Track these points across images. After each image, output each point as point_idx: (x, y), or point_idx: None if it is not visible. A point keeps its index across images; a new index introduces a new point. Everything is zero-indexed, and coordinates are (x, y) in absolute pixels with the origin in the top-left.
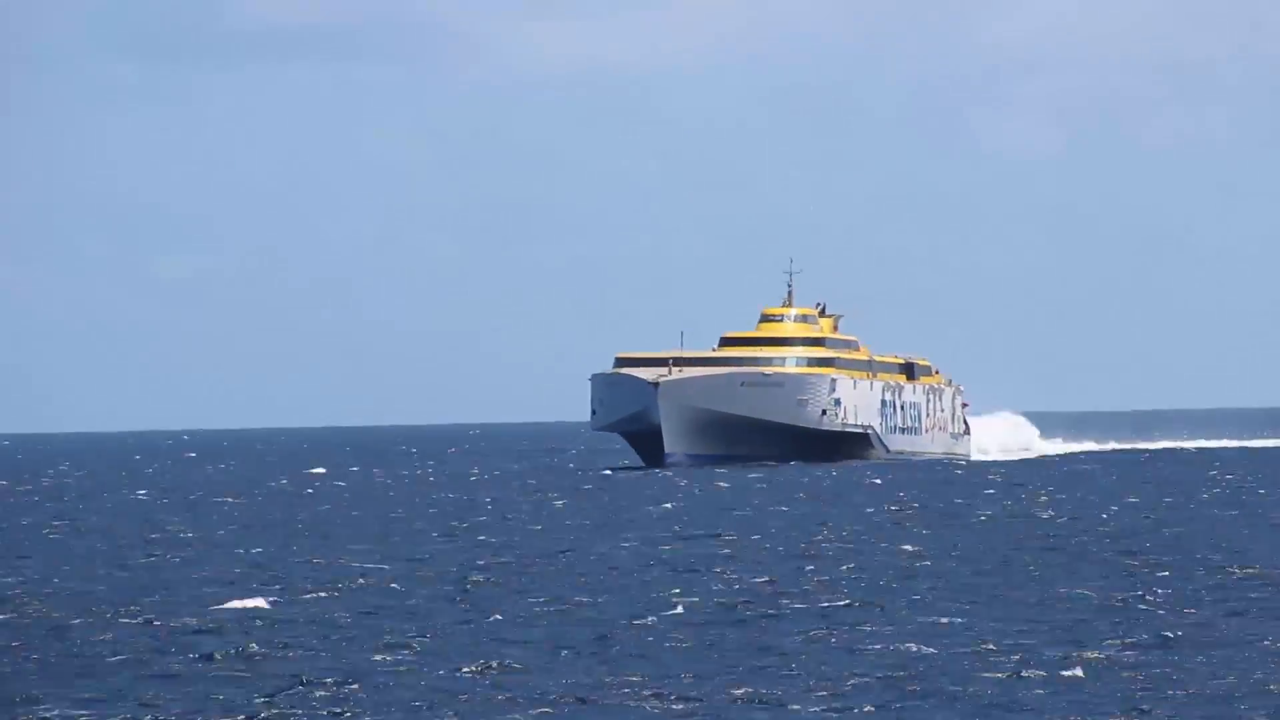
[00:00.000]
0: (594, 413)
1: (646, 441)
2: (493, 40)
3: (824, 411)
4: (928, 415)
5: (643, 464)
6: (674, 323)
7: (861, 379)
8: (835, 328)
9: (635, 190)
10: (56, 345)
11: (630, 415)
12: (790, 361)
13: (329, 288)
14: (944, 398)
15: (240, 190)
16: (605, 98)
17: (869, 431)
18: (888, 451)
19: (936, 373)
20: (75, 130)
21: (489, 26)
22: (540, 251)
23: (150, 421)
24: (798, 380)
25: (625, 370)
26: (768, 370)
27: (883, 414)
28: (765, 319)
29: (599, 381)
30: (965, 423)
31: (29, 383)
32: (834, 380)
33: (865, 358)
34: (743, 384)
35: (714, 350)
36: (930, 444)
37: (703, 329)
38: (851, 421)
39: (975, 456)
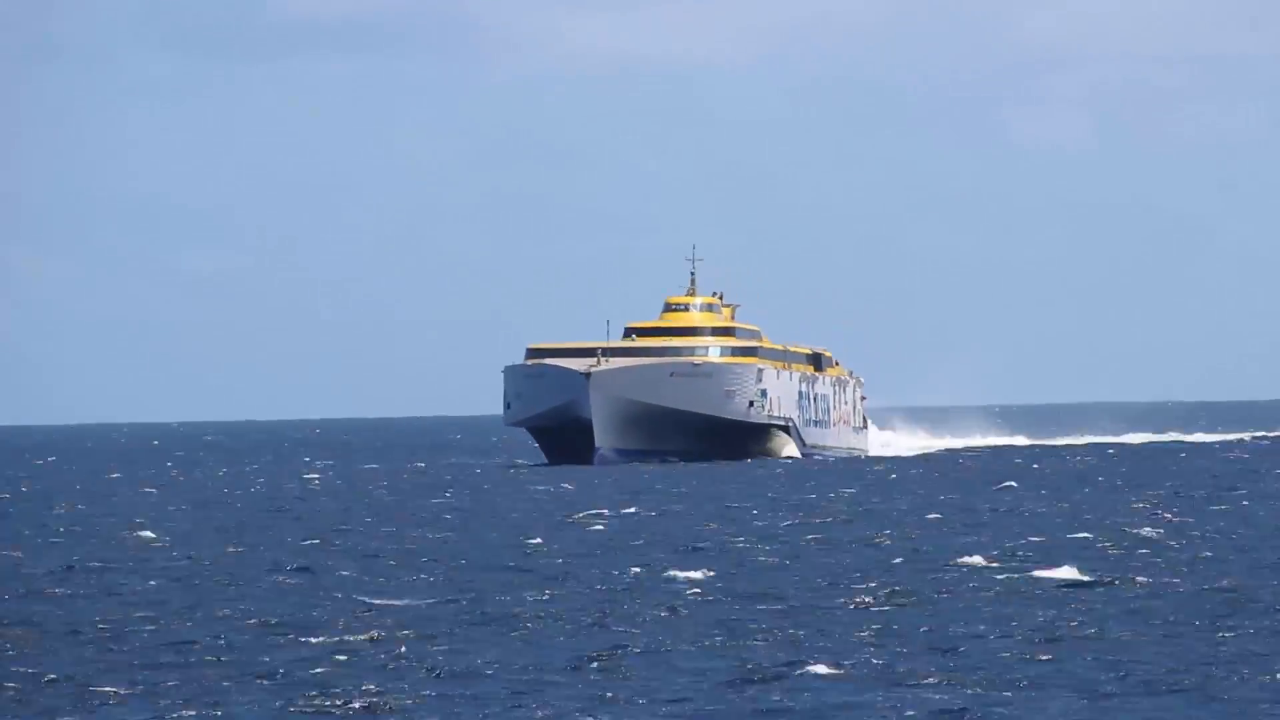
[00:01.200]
0: (508, 407)
1: (570, 437)
2: (527, 34)
3: (751, 403)
4: (835, 408)
5: (547, 461)
6: (568, 314)
7: (782, 370)
8: (733, 317)
9: (662, 185)
10: (81, 337)
11: (554, 409)
12: (714, 351)
13: (354, 283)
14: (848, 390)
15: (267, 185)
16: (637, 92)
17: (790, 424)
18: (804, 445)
19: (837, 364)
20: (104, 124)
21: (523, 20)
22: (559, 244)
23: (172, 414)
24: (726, 370)
25: (549, 361)
26: (696, 360)
27: (800, 406)
28: (670, 308)
29: (515, 374)
30: (864, 417)
31: (54, 375)
32: (760, 370)
33: (780, 348)
34: (672, 374)
35: (627, 340)
36: (837, 438)
37: (593, 320)
38: (775, 414)
39: (873, 451)
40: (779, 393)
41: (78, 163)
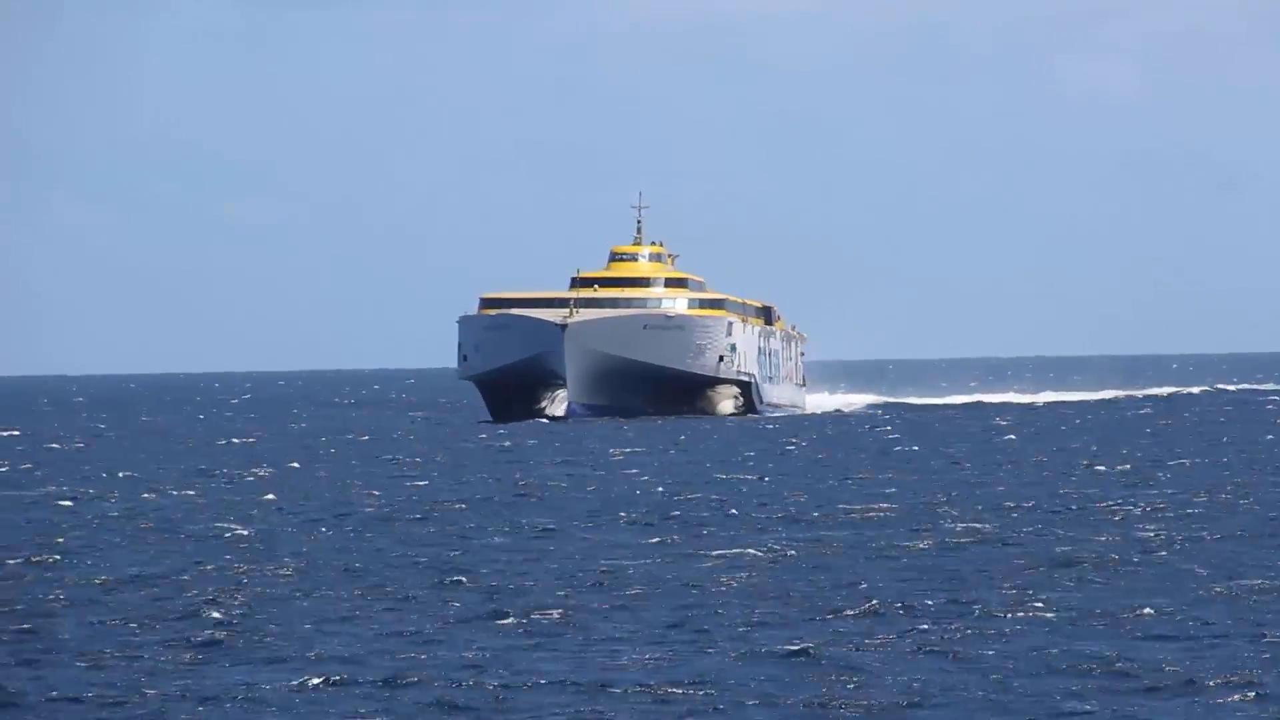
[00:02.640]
0: (464, 359)
1: (523, 391)
2: None
3: (721, 358)
4: (783, 364)
5: (492, 417)
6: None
7: (746, 323)
8: (673, 267)
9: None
10: (121, 286)
11: (522, 361)
12: (681, 303)
13: (402, 234)
14: (793, 345)
15: (311, 135)
16: (692, 41)
17: (752, 380)
18: (762, 402)
19: (780, 318)
20: (150, 73)
21: None
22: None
23: (219, 364)
24: (697, 324)
25: (515, 311)
26: (669, 312)
27: (759, 361)
28: (616, 258)
29: (474, 325)
30: (804, 374)
31: (98, 325)
32: (730, 324)
33: (739, 301)
34: (645, 327)
35: (585, 290)
36: (784, 395)
37: (531, 270)
38: (743, 369)
39: (810, 409)
40: (745, 347)
41: (122, 112)
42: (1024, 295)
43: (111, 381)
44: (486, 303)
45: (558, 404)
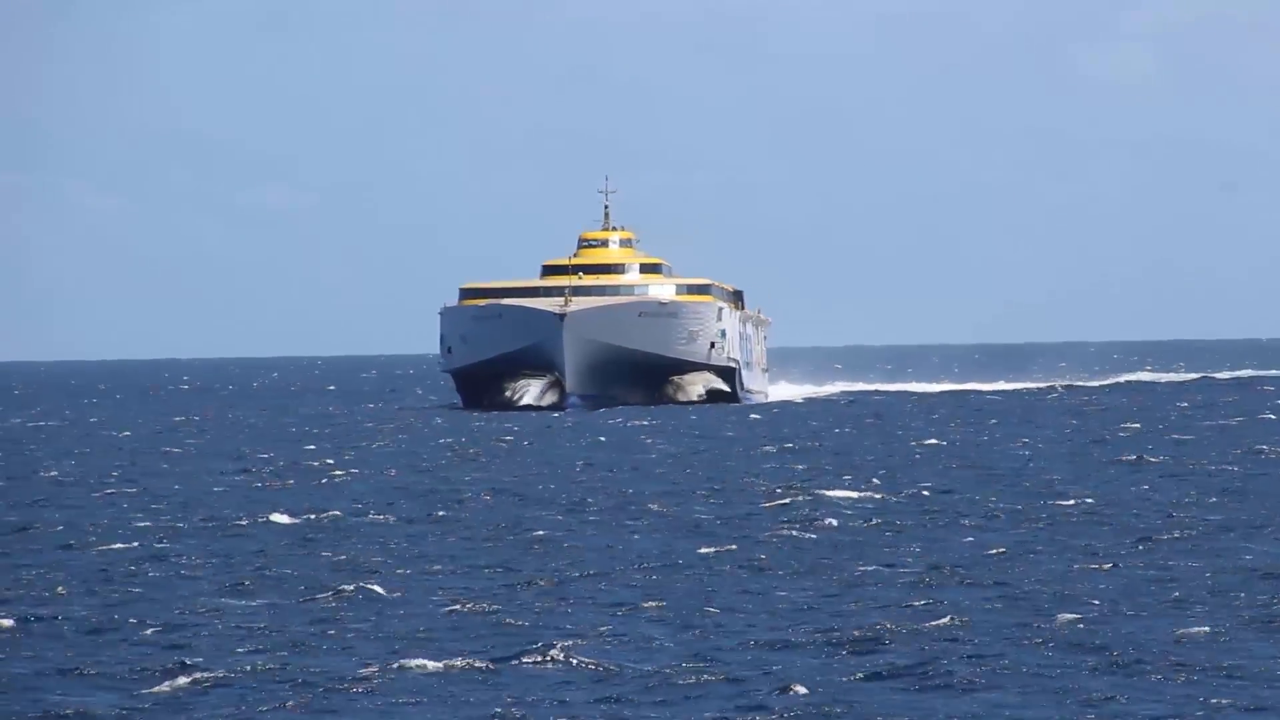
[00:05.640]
0: (449, 350)
1: (497, 383)
2: None
3: (712, 345)
4: (754, 349)
5: (462, 407)
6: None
7: (730, 309)
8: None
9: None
10: (134, 272)
11: (516, 352)
12: (668, 289)
13: (414, 222)
14: (760, 331)
15: (327, 123)
16: (709, 27)
17: (736, 366)
18: (742, 389)
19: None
20: (163, 61)
21: None
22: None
23: (233, 350)
24: (689, 310)
25: (506, 301)
26: (663, 299)
27: (741, 347)
28: (585, 244)
29: (459, 316)
30: (766, 360)
31: (110, 311)
32: (720, 309)
33: (719, 285)
34: (640, 314)
35: (568, 277)
36: (757, 382)
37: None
38: (733, 356)
39: (773, 396)
40: (731, 333)
41: (134, 97)
42: (1028, 283)
43: (114, 367)
44: (468, 293)
45: (518, 392)
